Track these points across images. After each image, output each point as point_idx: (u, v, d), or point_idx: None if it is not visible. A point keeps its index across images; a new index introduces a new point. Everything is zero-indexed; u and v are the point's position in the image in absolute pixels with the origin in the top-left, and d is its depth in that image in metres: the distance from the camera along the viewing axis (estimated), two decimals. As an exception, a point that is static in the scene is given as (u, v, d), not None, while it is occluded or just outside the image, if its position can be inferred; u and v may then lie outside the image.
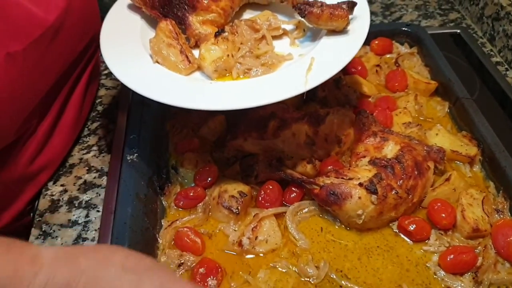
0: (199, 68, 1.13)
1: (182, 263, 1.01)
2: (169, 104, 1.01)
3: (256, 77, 1.10)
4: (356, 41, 1.10)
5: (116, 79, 1.49)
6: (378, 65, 1.46)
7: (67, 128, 1.24)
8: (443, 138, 1.22)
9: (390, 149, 1.13)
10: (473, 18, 1.73)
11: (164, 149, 1.25)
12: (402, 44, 1.55)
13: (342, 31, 1.13)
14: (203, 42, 1.15)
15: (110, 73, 1.53)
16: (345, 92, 1.33)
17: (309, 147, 1.18)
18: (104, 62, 1.54)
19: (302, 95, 1.31)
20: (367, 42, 1.51)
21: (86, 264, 0.71)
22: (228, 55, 1.10)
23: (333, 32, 1.14)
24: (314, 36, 1.20)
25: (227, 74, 1.12)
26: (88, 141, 1.31)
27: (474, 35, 1.66)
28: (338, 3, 1.12)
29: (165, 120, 1.32)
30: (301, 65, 1.07)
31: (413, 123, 1.26)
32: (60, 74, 1.16)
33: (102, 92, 1.46)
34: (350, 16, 1.12)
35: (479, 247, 1.02)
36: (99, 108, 1.41)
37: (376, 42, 1.53)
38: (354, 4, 1.12)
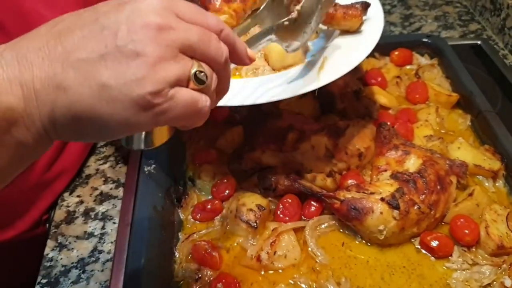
0: None
1: (200, 278, 1.00)
2: None
3: (270, 75, 1.10)
4: (370, 41, 1.10)
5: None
6: (398, 77, 1.44)
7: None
8: (466, 152, 1.20)
9: (412, 163, 1.10)
10: (494, 29, 1.70)
11: (181, 160, 1.24)
12: (422, 55, 1.53)
13: (356, 31, 1.13)
14: None
15: (127, 83, 1.52)
16: (365, 104, 1.31)
17: (329, 160, 1.16)
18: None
19: (320, 106, 1.31)
20: (386, 53, 1.50)
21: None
22: None
23: (346, 32, 1.14)
24: (327, 37, 1.20)
25: (236, 73, 1.13)
26: (104, 152, 1.30)
27: (495, 46, 1.63)
28: (351, 3, 1.12)
29: (182, 131, 1.31)
30: (313, 64, 1.08)
31: (435, 136, 1.24)
32: None
33: (119, 102, 1.45)
34: (364, 17, 1.12)
35: (504, 265, 0.99)
36: (116, 118, 1.40)
37: (396, 53, 1.51)
38: (368, 5, 1.12)
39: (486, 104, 1.29)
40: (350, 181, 1.12)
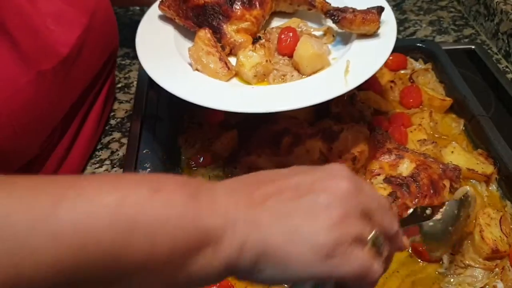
0: (235, 74, 1.16)
1: (194, 281, 1.00)
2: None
3: (297, 81, 1.13)
4: (388, 43, 1.14)
5: (129, 93, 1.50)
6: (392, 81, 1.45)
7: (84, 143, 1.24)
8: (459, 156, 1.21)
9: (406, 167, 1.11)
10: (488, 34, 1.71)
11: (176, 164, 1.25)
12: (416, 60, 1.54)
13: (373, 34, 1.17)
14: (238, 49, 1.18)
15: (123, 87, 1.53)
16: (359, 108, 1.32)
17: (323, 164, 1.16)
18: (117, 76, 1.56)
19: (314, 111, 1.32)
20: (381, 57, 1.51)
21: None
22: (266, 61, 1.13)
23: (363, 36, 1.17)
24: (344, 40, 1.23)
25: (265, 79, 1.15)
26: (100, 155, 1.31)
27: (489, 51, 1.65)
28: (368, 8, 1.15)
29: (177, 135, 1.32)
30: (337, 68, 1.11)
31: (428, 140, 1.25)
32: (83, 90, 1.17)
33: (115, 105, 1.46)
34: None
35: (497, 269, 1.00)
36: (112, 121, 1.41)
37: (390, 57, 1.49)
38: (382, 9, 1.16)
39: (480, 108, 1.30)
40: (344, 185, 1.13)
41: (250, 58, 1.13)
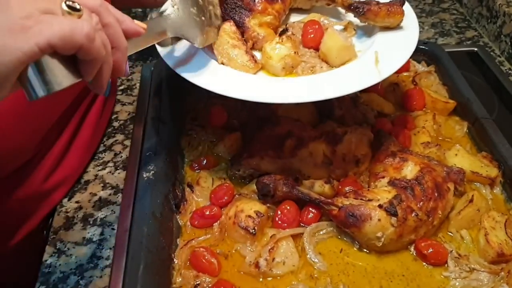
0: (261, 67, 1.16)
1: (198, 284, 1.00)
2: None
3: (328, 71, 1.13)
4: (412, 34, 1.17)
5: (131, 95, 1.50)
6: (395, 83, 1.44)
7: (83, 144, 1.23)
8: (463, 158, 1.20)
9: (410, 170, 1.11)
10: (490, 36, 1.71)
11: (180, 166, 1.24)
12: (419, 62, 1.54)
13: (396, 27, 1.19)
14: (261, 44, 1.18)
15: (126, 89, 1.53)
16: (363, 111, 1.32)
17: (327, 166, 1.16)
18: (119, 78, 1.56)
19: (318, 113, 1.32)
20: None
21: None
22: (295, 52, 1.13)
23: (386, 28, 1.19)
24: (367, 34, 1.24)
25: (294, 71, 1.15)
26: (103, 157, 1.30)
27: (491, 53, 1.64)
28: (390, 1, 1.18)
29: (180, 137, 1.31)
30: (366, 59, 1.12)
31: (432, 143, 1.24)
32: (79, 91, 1.16)
33: (117, 107, 1.46)
34: None
35: (502, 273, 1.00)
36: (115, 123, 1.40)
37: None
38: (404, 2, 1.18)
39: (483, 111, 1.30)
40: (348, 188, 1.13)
41: (278, 50, 1.13)
